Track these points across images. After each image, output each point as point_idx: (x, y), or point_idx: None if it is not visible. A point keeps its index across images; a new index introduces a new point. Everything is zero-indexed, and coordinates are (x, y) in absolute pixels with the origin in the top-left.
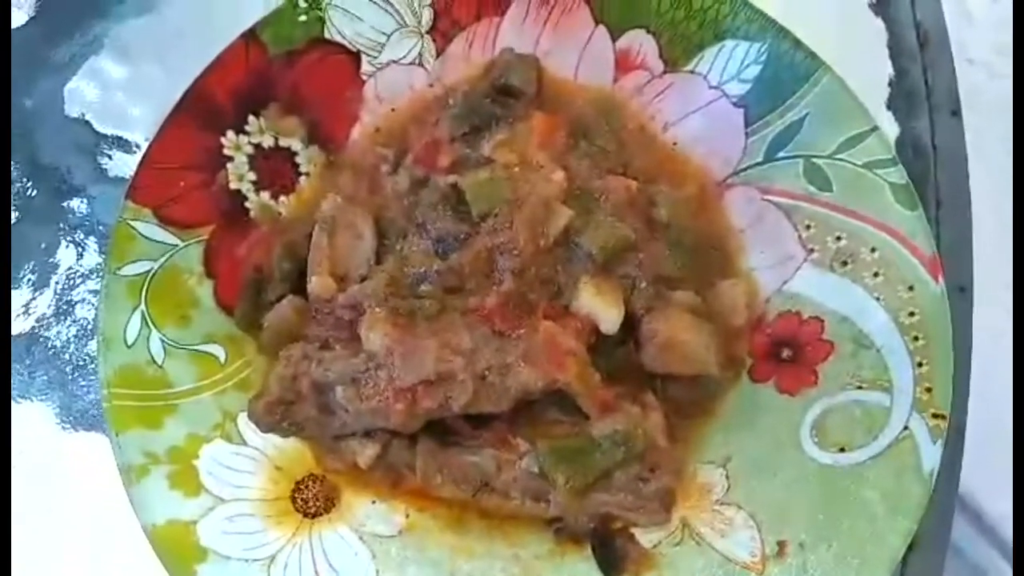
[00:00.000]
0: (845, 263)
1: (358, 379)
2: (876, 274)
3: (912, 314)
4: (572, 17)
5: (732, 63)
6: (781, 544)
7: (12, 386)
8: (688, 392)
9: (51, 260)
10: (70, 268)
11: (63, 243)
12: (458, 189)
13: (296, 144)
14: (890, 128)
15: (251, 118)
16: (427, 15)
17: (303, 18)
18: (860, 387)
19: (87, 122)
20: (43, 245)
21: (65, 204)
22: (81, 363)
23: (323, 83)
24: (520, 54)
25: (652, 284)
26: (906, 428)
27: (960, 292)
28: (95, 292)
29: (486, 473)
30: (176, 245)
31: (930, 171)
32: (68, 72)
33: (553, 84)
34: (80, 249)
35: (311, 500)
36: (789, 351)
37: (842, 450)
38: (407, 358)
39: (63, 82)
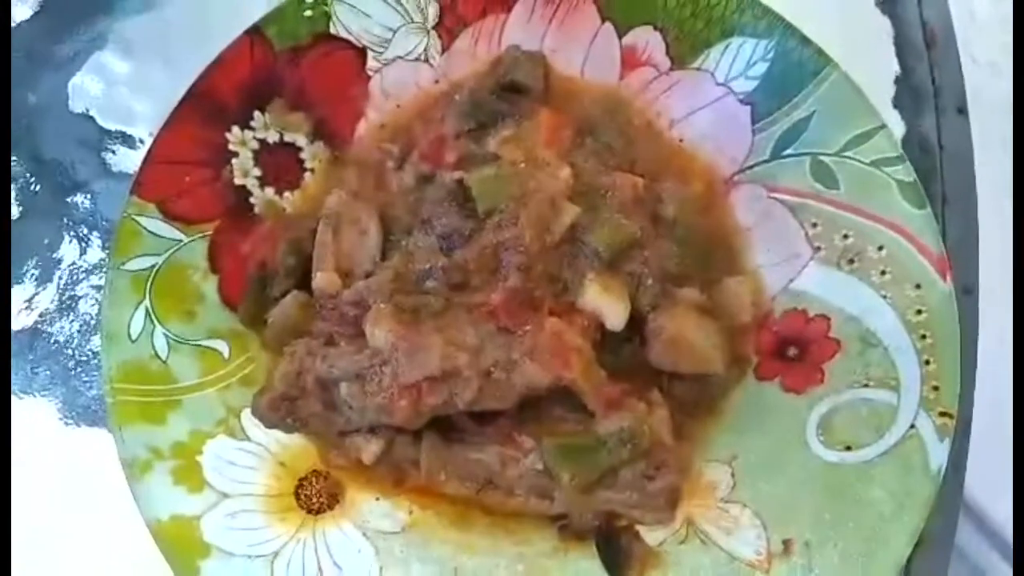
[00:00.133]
0: (852, 261)
1: (363, 375)
2: (883, 272)
3: (919, 312)
4: (578, 14)
5: (739, 60)
6: (787, 542)
7: (15, 382)
8: (694, 390)
9: (54, 255)
10: (73, 263)
11: (67, 238)
12: (464, 185)
13: (301, 140)
14: (896, 126)
15: (256, 114)
16: (433, 11)
17: (309, 13)
18: (867, 385)
19: (91, 117)
20: (46, 240)
21: (69, 199)
22: (84, 358)
23: (328, 79)
24: (526, 51)
25: (658, 281)
26: (913, 427)
27: (966, 291)
28: (98, 287)
29: (491, 470)
30: (180, 240)
31: (936, 169)
32: (72, 68)
33: (559, 81)
34: (84, 244)
35: (315, 496)
36: (795, 349)
37: (848, 448)
38: (412, 354)
39: (67, 78)
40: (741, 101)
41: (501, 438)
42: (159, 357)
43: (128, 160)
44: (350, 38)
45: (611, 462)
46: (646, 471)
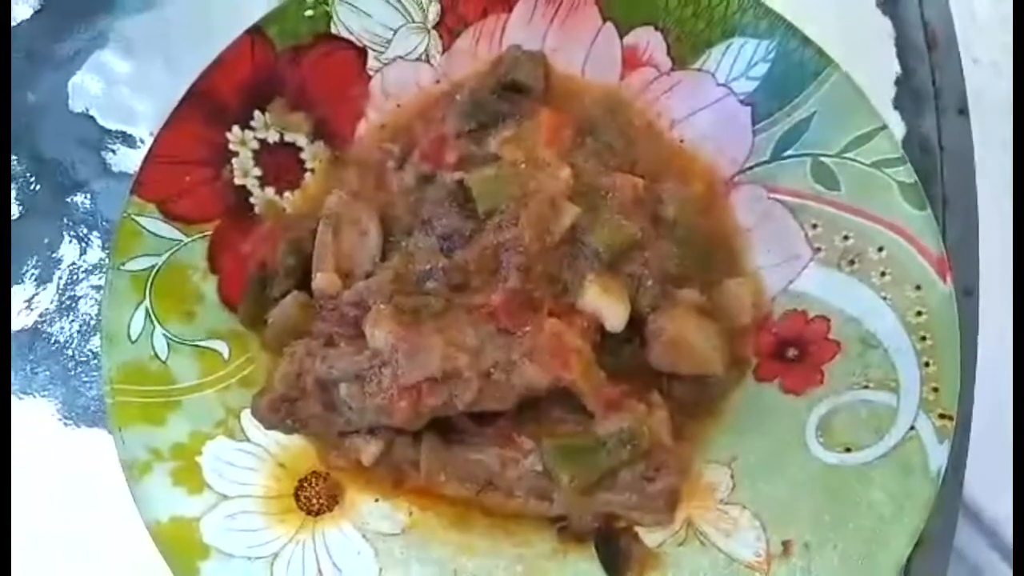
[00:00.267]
0: (852, 262)
1: (362, 376)
2: (883, 273)
3: (919, 314)
4: (579, 14)
5: (740, 61)
6: (786, 544)
7: (15, 382)
8: (693, 391)
9: (54, 255)
10: (73, 263)
11: (66, 238)
12: (464, 186)
13: (302, 140)
14: (897, 127)
15: (256, 113)
16: (434, 11)
17: (310, 13)
18: (866, 387)
19: (91, 117)
20: (46, 240)
21: (69, 199)
22: (84, 359)
23: (329, 79)
24: (527, 51)
25: (658, 282)
26: (912, 428)
27: (966, 293)
28: (98, 287)
29: (490, 471)
30: (180, 240)
31: (937, 170)
32: (72, 67)
33: (560, 81)
34: (83, 244)
35: (314, 498)
36: (795, 350)
37: (848, 450)
38: (412, 355)
39: (67, 77)
40: (742, 102)
41: (501, 439)
42: (159, 358)
43: (128, 160)
44: (351, 38)
45: (610, 463)
46: (645, 472)
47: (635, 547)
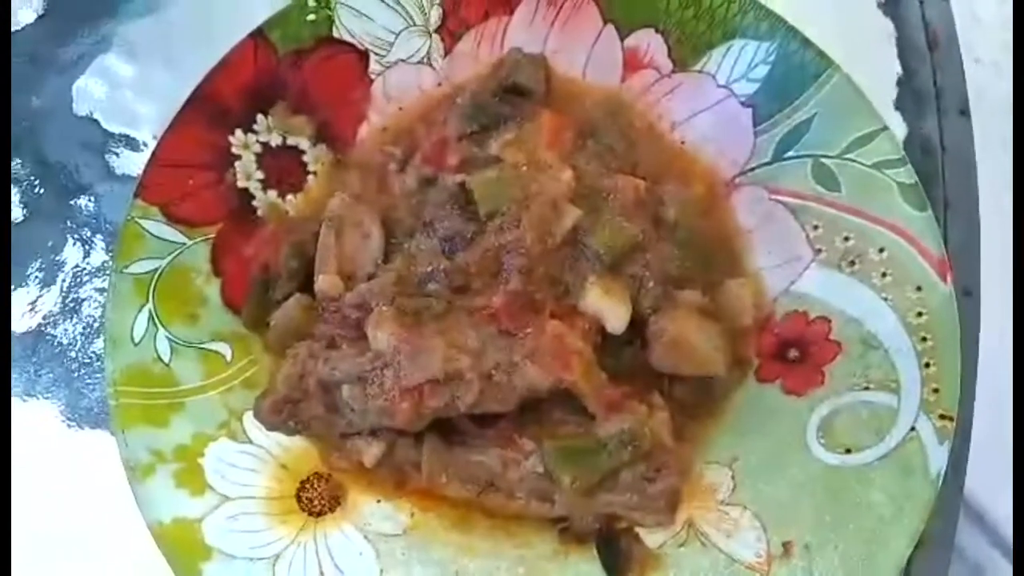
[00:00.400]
0: (853, 263)
1: (364, 378)
2: (884, 274)
3: (920, 315)
4: (580, 16)
5: (741, 62)
6: (787, 545)
7: (18, 384)
8: (694, 392)
9: (58, 258)
10: (77, 266)
11: (70, 241)
12: (466, 188)
13: (304, 143)
14: (898, 128)
15: (259, 117)
16: (435, 14)
17: (312, 17)
18: (867, 388)
19: (95, 120)
20: (50, 243)
21: (72, 202)
22: (87, 361)
23: (331, 82)
24: (528, 53)
25: (659, 284)
26: (913, 429)
27: (967, 293)
28: (101, 290)
29: (492, 473)
30: (184, 243)
31: (938, 172)
32: (76, 70)
33: (561, 83)
34: (87, 247)
35: (316, 499)
36: (796, 351)
37: (848, 451)
38: (414, 357)
39: (71, 80)
40: (743, 103)
41: (502, 441)
42: (162, 360)
43: (131, 163)
44: (353, 41)
45: (612, 464)
46: (646, 473)
47: (636, 548)
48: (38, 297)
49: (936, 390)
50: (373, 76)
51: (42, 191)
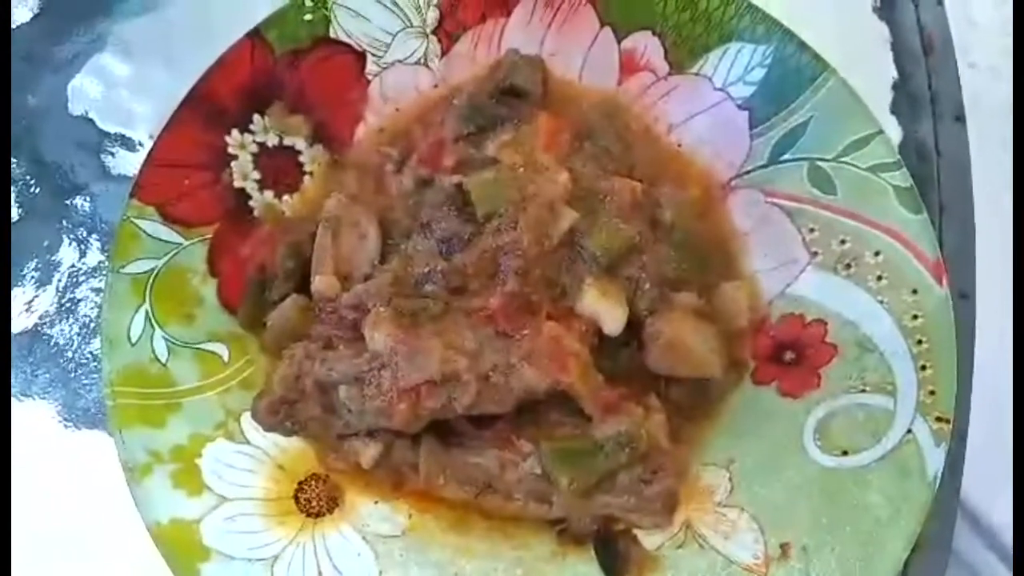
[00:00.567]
0: (849, 266)
1: (361, 379)
2: (880, 277)
3: (916, 317)
4: (577, 18)
5: (737, 65)
6: (784, 547)
7: (15, 384)
8: (691, 394)
9: (54, 258)
10: (73, 266)
11: (66, 241)
12: (463, 189)
13: (300, 143)
14: (894, 132)
15: (256, 117)
16: (432, 15)
17: (309, 17)
18: (863, 390)
19: (91, 120)
20: (46, 243)
21: (68, 202)
22: (84, 361)
23: (328, 82)
24: (525, 55)
25: (656, 286)
26: (909, 432)
27: (963, 296)
28: (98, 290)
29: (489, 474)
30: (180, 244)
31: (934, 176)
32: (72, 69)
33: (558, 85)
34: (83, 247)
35: (314, 500)
36: (792, 354)
37: (845, 453)
38: (411, 358)
39: (67, 80)
40: (739, 106)
41: (499, 442)
42: (159, 360)
43: (128, 163)
44: (350, 42)
45: (609, 466)
46: (643, 475)
47: (634, 549)
48: (34, 297)
49: (932, 392)
50: (370, 77)
51: (38, 191)
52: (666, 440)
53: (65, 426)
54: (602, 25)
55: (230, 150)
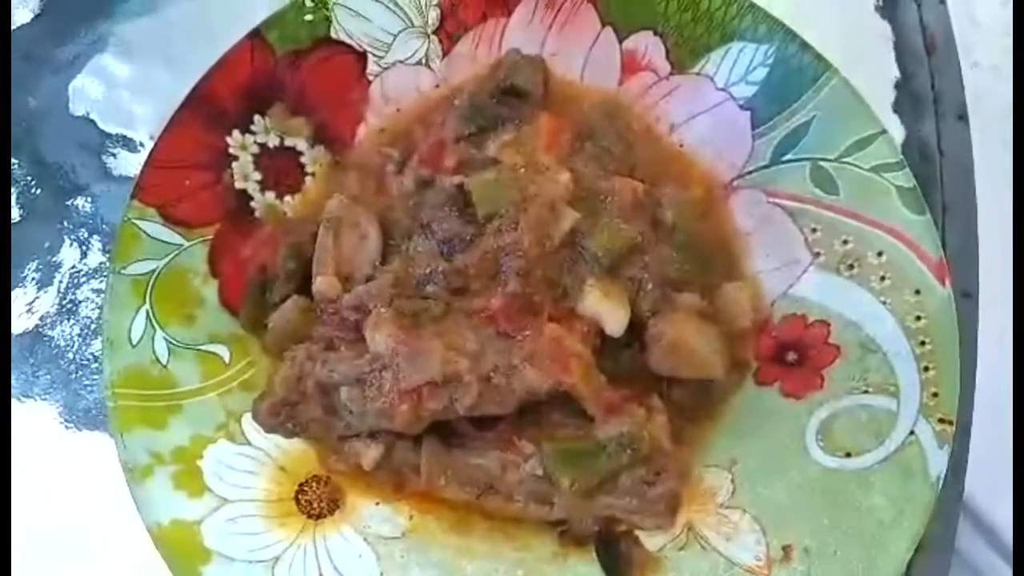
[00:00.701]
0: (851, 267)
1: (363, 380)
2: (883, 278)
3: (919, 318)
4: (579, 18)
5: (739, 65)
6: (786, 548)
7: (16, 385)
8: (693, 395)
9: (55, 259)
10: (74, 267)
11: (67, 242)
12: (464, 190)
13: (302, 144)
14: (896, 132)
15: (257, 118)
16: (433, 15)
17: (309, 18)
18: (866, 391)
19: (92, 121)
20: (47, 244)
21: (69, 202)
22: (85, 362)
23: (329, 83)
24: (526, 55)
25: (658, 286)
26: (912, 433)
27: (966, 296)
28: (99, 291)
29: (491, 475)
30: (181, 245)
31: (936, 176)
32: (73, 70)
33: (559, 85)
34: (84, 248)
35: (315, 501)
36: (795, 354)
37: (848, 455)
38: (412, 359)
39: (68, 80)
40: (741, 106)
41: (501, 443)
42: (160, 362)
43: (128, 164)
44: (351, 42)
45: (611, 467)
46: (646, 476)
47: (636, 551)
48: (35, 298)
49: (935, 394)
50: (371, 77)
51: (38, 191)
52: (668, 441)
53: (66, 427)
54: (603, 25)
55: (231, 151)
